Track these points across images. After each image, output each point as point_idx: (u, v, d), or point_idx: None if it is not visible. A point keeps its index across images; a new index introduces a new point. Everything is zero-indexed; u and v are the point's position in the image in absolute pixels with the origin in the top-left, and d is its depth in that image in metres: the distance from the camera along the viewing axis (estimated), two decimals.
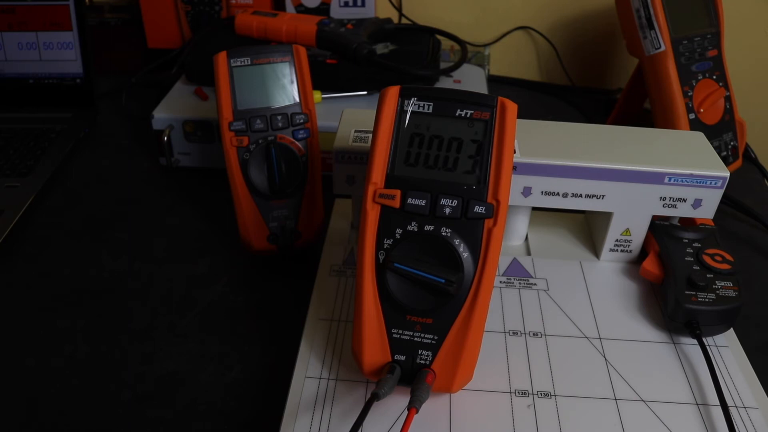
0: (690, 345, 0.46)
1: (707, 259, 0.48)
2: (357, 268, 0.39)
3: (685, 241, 0.50)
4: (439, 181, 0.38)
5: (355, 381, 0.42)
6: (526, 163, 0.49)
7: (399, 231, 0.38)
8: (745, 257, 0.60)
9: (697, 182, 0.48)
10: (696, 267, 0.47)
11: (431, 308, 0.38)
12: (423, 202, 0.37)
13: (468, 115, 0.38)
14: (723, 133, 0.69)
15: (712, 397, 0.41)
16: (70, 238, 0.60)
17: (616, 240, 0.52)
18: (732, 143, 0.69)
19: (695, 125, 0.66)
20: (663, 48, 0.65)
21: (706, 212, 0.50)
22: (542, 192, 0.50)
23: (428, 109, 0.38)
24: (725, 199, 0.65)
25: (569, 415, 0.40)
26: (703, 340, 0.45)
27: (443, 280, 0.37)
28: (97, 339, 0.49)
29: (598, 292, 0.50)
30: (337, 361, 0.43)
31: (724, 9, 0.69)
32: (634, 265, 0.53)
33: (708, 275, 0.47)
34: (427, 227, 0.38)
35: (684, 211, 0.50)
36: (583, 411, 0.41)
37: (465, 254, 0.37)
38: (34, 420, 0.43)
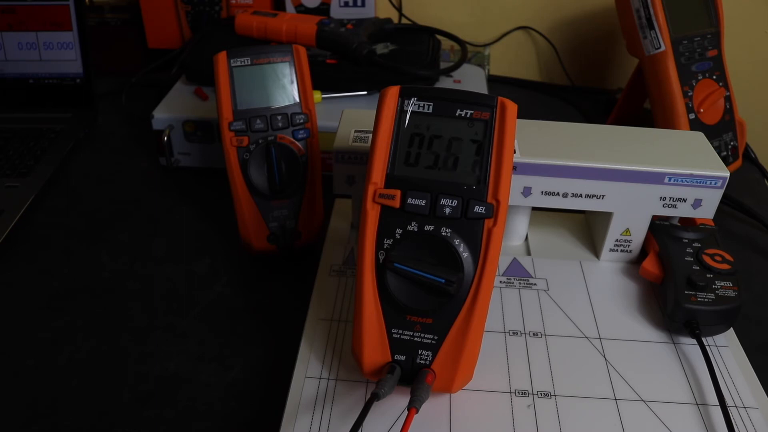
0: (690, 345, 0.46)
1: (707, 259, 0.48)
2: (357, 268, 0.39)
3: (685, 241, 0.50)
4: (439, 181, 0.38)
5: (355, 381, 0.42)
6: (526, 163, 0.49)
7: (399, 231, 0.38)
8: (745, 257, 0.60)
9: (697, 182, 0.48)
10: (696, 267, 0.47)
11: (431, 308, 0.38)
12: (423, 202, 0.37)
13: (468, 115, 0.38)
14: (723, 133, 0.69)
15: (712, 397, 0.41)
16: (70, 238, 0.60)
17: (616, 240, 0.52)
18: (732, 143, 0.69)
19: (695, 125, 0.66)
20: (663, 48, 0.65)
21: (706, 212, 0.50)
22: (542, 192, 0.50)
23: (428, 109, 0.38)
24: (725, 199, 0.65)
25: (569, 415, 0.40)
26: (703, 340, 0.45)
27: (443, 280, 0.37)
28: (98, 339, 0.49)
29: (598, 292, 0.50)
30: (337, 361, 0.43)
31: (724, 9, 0.69)
32: (634, 265, 0.53)
33: (708, 275, 0.47)
34: (427, 227, 0.38)
35: (684, 211, 0.50)
36: (583, 411, 0.41)
37: (465, 254, 0.37)
38: (34, 420, 0.43)
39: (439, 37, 0.81)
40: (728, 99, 0.69)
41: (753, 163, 0.75)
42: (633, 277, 0.52)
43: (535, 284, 0.51)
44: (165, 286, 0.54)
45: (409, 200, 0.38)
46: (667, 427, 0.40)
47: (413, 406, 0.35)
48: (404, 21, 0.93)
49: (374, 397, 0.36)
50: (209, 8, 0.86)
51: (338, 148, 0.51)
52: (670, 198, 0.49)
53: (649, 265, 0.50)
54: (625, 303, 0.49)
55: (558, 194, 0.50)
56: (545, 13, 0.91)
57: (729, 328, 0.47)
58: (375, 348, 0.39)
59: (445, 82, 0.78)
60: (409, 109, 0.38)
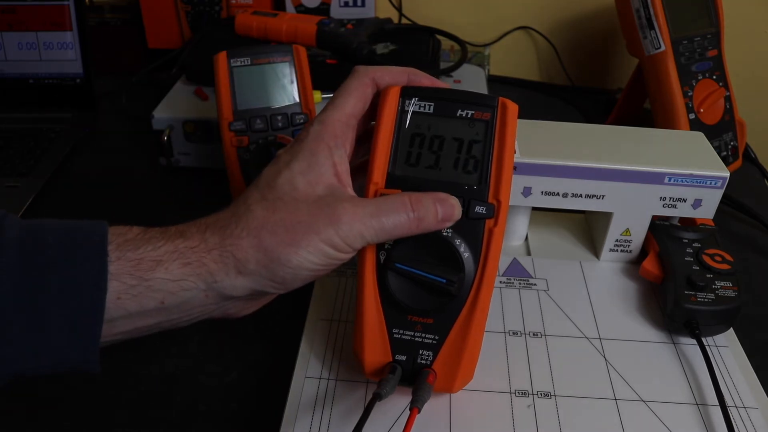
0: (690, 345, 0.46)
1: (707, 259, 0.48)
2: (358, 268, 0.39)
3: (685, 241, 0.50)
4: (439, 181, 0.38)
5: (355, 381, 0.42)
6: (526, 163, 0.49)
7: None
8: (745, 257, 0.60)
9: (697, 182, 0.48)
10: (696, 267, 0.47)
11: (432, 308, 0.38)
12: None
13: (469, 116, 0.38)
14: (723, 133, 0.69)
15: (712, 398, 0.41)
16: None
17: (616, 240, 0.52)
18: (732, 143, 0.69)
19: (695, 125, 0.66)
20: (663, 48, 0.65)
21: (706, 212, 0.50)
22: (542, 192, 0.50)
23: (429, 110, 0.38)
24: (725, 199, 0.65)
25: (569, 415, 0.40)
26: (703, 340, 0.45)
27: (444, 280, 0.37)
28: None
29: (598, 292, 0.50)
30: (337, 361, 0.43)
31: (724, 9, 0.69)
32: (634, 265, 0.53)
33: (708, 275, 0.47)
34: None
35: (684, 211, 0.50)
36: (583, 411, 0.41)
37: (466, 254, 0.37)
38: (34, 420, 0.43)
39: (439, 37, 0.81)
40: (728, 99, 0.69)
41: (753, 163, 0.75)
42: (633, 277, 0.52)
43: (535, 284, 0.51)
44: None
45: None
46: (667, 427, 0.40)
47: (415, 406, 0.35)
48: (404, 21, 0.93)
49: (376, 398, 0.36)
50: (209, 8, 0.86)
51: None
52: (670, 198, 0.49)
53: (649, 265, 0.50)
54: (625, 303, 0.49)
55: (558, 194, 0.50)
56: (545, 13, 0.91)
57: (729, 328, 0.47)
58: (376, 348, 0.39)
59: (445, 82, 0.78)
60: (410, 109, 0.38)
